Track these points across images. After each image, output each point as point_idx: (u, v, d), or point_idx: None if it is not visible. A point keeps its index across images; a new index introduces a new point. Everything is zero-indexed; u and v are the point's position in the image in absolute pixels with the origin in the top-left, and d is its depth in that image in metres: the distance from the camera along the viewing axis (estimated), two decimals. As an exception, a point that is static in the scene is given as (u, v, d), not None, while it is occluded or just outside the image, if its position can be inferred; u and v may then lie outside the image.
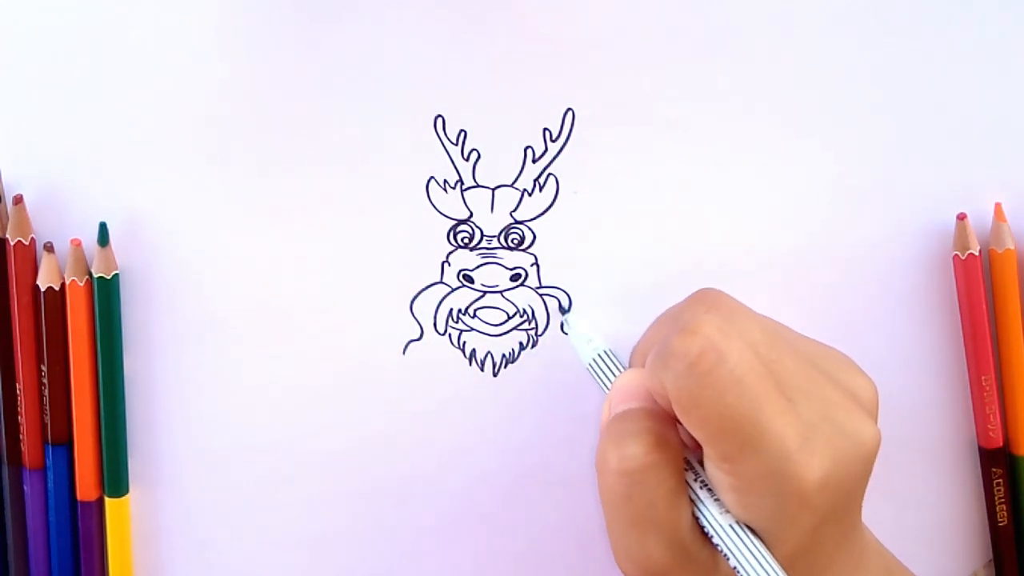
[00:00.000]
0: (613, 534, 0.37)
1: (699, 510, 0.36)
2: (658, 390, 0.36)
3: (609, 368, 0.42)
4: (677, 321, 0.39)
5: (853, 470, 0.35)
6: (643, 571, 0.36)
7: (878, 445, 0.36)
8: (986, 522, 0.47)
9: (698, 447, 0.36)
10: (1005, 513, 0.46)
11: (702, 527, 0.36)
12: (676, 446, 0.37)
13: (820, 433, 0.35)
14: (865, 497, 0.37)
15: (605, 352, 0.43)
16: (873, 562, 0.39)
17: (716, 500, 0.36)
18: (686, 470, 0.37)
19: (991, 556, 0.47)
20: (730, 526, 0.35)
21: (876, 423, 0.37)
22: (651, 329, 0.42)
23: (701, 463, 0.37)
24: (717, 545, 0.36)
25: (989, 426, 0.46)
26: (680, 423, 0.36)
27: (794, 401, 0.35)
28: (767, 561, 0.35)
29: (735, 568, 0.35)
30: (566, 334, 0.45)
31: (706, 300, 0.39)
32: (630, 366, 0.42)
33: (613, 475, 0.36)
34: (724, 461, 0.35)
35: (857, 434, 0.36)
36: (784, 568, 0.35)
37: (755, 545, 0.35)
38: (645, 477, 0.36)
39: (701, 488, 0.36)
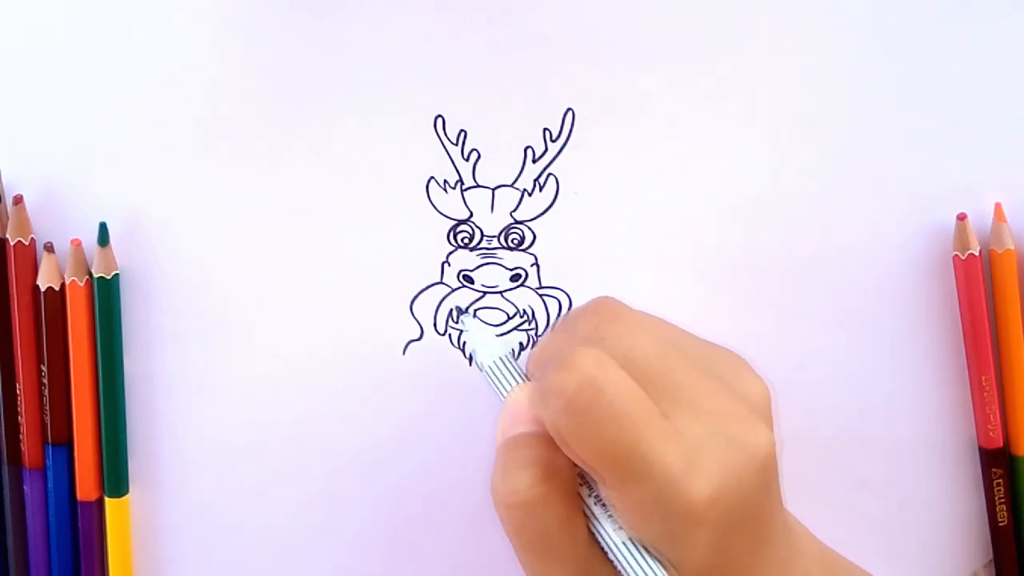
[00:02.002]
0: (518, 558, 0.37)
1: (595, 528, 0.36)
2: (542, 420, 0.36)
3: (506, 376, 0.40)
4: (575, 331, 0.38)
5: (748, 480, 0.35)
6: None
7: (772, 451, 0.36)
8: (986, 522, 0.47)
9: None
10: (1005, 513, 0.46)
11: (600, 544, 0.36)
12: (566, 470, 0.36)
13: (708, 451, 0.35)
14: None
15: (503, 358, 0.40)
16: (804, 565, 0.39)
17: (610, 517, 0.36)
18: (581, 486, 0.37)
19: (991, 556, 0.47)
20: (623, 543, 0.35)
21: (770, 426, 0.37)
22: (547, 336, 0.41)
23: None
24: (612, 562, 0.36)
25: (989, 426, 0.46)
26: None
27: (680, 415, 0.35)
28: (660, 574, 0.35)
29: None
30: (461, 334, 0.45)
31: (600, 311, 0.38)
32: (527, 375, 0.40)
33: (504, 508, 0.36)
34: (611, 489, 0.35)
35: (750, 445, 0.35)
36: None
37: (648, 561, 0.35)
38: (535, 509, 0.35)
39: (596, 504, 0.36)
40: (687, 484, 0.34)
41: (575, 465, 0.36)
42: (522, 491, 0.35)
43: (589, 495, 0.36)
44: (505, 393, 0.39)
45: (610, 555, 0.36)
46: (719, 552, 0.35)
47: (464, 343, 0.46)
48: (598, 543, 0.36)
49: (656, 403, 0.35)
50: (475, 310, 0.46)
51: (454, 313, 0.45)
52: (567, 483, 0.36)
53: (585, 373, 0.34)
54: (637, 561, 0.35)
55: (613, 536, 0.35)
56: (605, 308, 0.38)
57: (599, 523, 0.36)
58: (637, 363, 0.36)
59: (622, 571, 0.35)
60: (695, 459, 0.34)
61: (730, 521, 0.35)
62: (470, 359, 0.46)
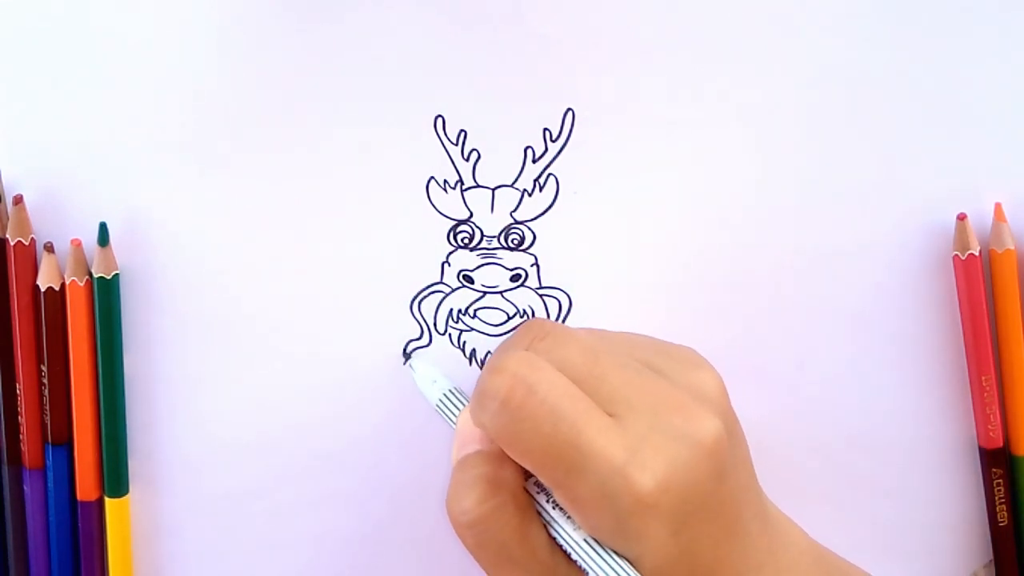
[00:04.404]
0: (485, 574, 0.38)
1: (553, 530, 0.37)
2: (484, 430, 0.37)
3: (455, 406, 0.42)
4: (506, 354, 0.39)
5: (698, 469, 0.35)
6: None
7: (720, 437, 0.36)
8: (986, 522, 0.47)
9: None
10: (1005, 513, 0.46)
11: (561, 547, 0.37)
12: (513, 481, 0.37)
13: (649, 442, 0.35)
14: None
15: (450, 391, 0.43)
16: (791, 558, 0.39)
17: (569, 518, 0.36)
18: (538, 493, 0.37)
19: (991, 556, 0.47)
20: (584, 541, 0.36)
21: (720, 415, 0.37)
22: (489, 361, 0.42)
23: None
24: (575, 561, 0.36)
25: (989, 426, 0.46)
26: None
27: (619, 415, 0.36)
28: (623, 568, 0.35)
29: None
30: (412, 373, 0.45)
31: (532, 330, 0.39)
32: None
33: (458, 528, 0.37)
34: (556, 487, 0.36)
35: (694, 433, 0.36)
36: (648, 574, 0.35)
37: (610, 555, 0.35)
38: (487, 526, 0.36)
39: (554, 508, 0.37)
40: (630, 474, 0.34)
41: (526, 474, 0.37)
42: (471, 509, 0.36)
43: (547, 501, 0.37)
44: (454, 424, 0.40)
45: (573, 555, 0.36)
46: (680, 545, 0.35)
47: (463, 344, 0.46)
48: (559, 547, 0.37)
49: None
50: (475, 310, 0.46)
51: (402, 358, 0.46)
52: (516, 495, 0.37)
53: (515, 373, 0.36)
54: (600, 556, 0.35)
55: (573, 535, 0.36)
56: (536, 327, 0.39)
57: (558, 525, 0.37)
58: (569, 372, 0.37)
59: (587, 569, 0.36)
60: (637, 450, 0.35)
61: (686, 511, 0.35)
62: (470, 358, 0.46)
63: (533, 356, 0.37)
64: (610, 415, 0.36)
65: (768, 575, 0.38)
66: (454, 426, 0.41)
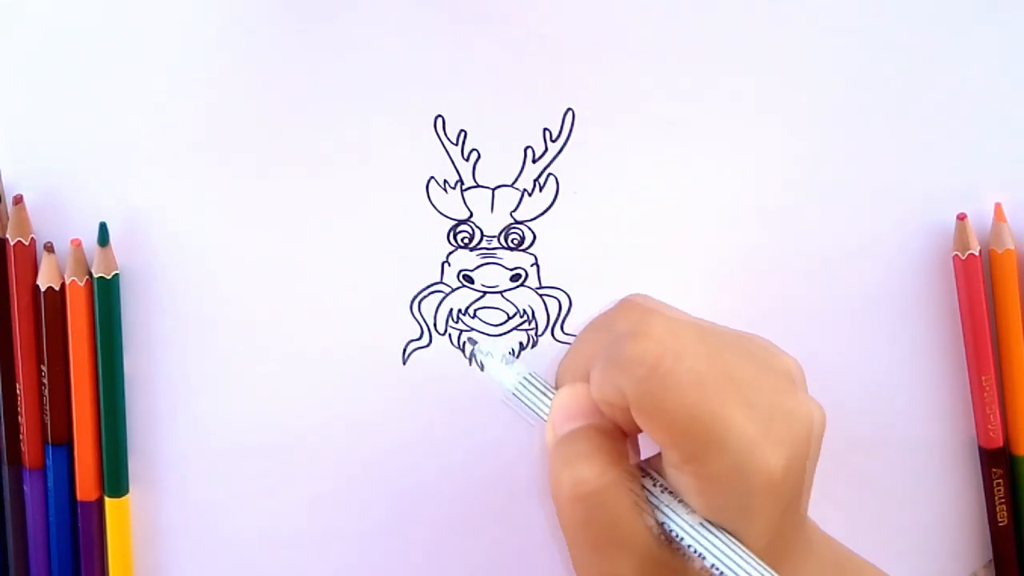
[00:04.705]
0: (576, 559, 0.36)
1: (664, 515, 0.36)
2: (611, 401, 0.36)
3: (538, 390, 0.39)
4: (613, 328, 0.38)
5: (803, 451, 0.35)
6: None
7: (822, 422, 0.36)
8: (986, 522, 0.47)
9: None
10: (1005, 513, 0.46)
11: (667, 532, 0.36)
12: (628, 459, 0.36)
13: (773, 421, 0.35)
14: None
15: (530, 375, 0.40)
16: (821, 551, 0.39)
17: (680, 502, 0.35)
18: (643, 477, 0.36)
19: (991, 556, 0.47)
20: (700, 524, 0.35)
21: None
22: (579, 342, 0.40)
23: (657, 468, 0.36)
24: (689, 547, 0.35)
25: (989, 426, 0.46)
26: (630, 434, 0.36)
27: (745, 393, 0.35)
28: (742, 553, 0.34)
29: (711, 567, 0.35)
30: (478, 365, 0.44)
31: (634, 306, 0.38)
32: (558, 384, 0.40)
33: (569, 501, 0.35)
34: (688, 462, 0.34)
35: (801, 415, 0.36)
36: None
37: (729, 539, 0.35)
38: (603, 499, 0.35)
39: (662, 492, 0.36)
40: (764, 453, 0.34)
41: (636, 456, 0.36)
42: (590, 480, 0.35)
43: (654, 485, 0.36)
44: (537, 409, 0.39)
45: (686, 540, 0.35)
46: (781, 525, 0.35)
47: (463, 343, 0.46)
48: (664, 536, 0.36)
49: None
50: (475, 310, 0.46)
51: (467, 346, 0.45)
52: (630, 472, 0.36)
53: (663, 340, 0.34)
54: (718, 539, 0.35)
55: (687, 519, 0.35)
56: (639, 303, 0.38)
57: (670, 510, 0.35)
58: None
59: (701, 554, 0.35)
60: (768, 429, 0.34)
61: (795, 492, 0.35)
62: (470, 359, 0.46)
63: (677, 324, 0.35)
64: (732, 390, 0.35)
65: (812, 564, 0.38)
66: (537, 413, 0.39)
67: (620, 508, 0.35)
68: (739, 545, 0.35)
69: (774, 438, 0.34)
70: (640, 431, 0.36)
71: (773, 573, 0.34)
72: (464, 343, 0.46)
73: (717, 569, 0.35)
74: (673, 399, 0.34)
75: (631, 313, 0.38)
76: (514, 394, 0.40)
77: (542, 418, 0.39)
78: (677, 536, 0.35)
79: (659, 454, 0.36)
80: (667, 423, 0.34)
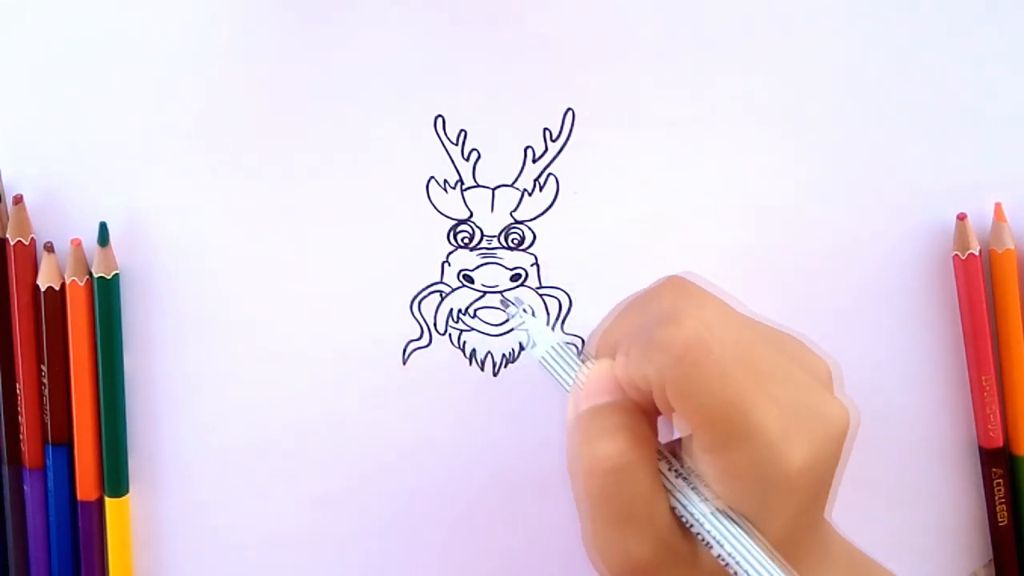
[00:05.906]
0: (589, 534, 0.36)
1: (679, 500, 0.36)
2: (637, 384, 0.36)
3: (567, 360, 0.39)
4: (647, 310, 0.38)
5: (828, 452, 0.35)
6: (623, 570, 0.36)
7: (847, 422, 0.36)
8: (986, 522, 0.47)
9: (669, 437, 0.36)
10: (1005, 513, 0.46)
11: (681, 518, 0.36)
12: (651, 440, 0.36)
13: (798, 419, 0.35)
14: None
15: (561, 344, 0.40)
16: (837, 553, 0.39)
17: (695, 489, 0.36)
18: (660, 460, 0.36)
19: (991, 556, 0.47)
20: (713, 513, 0.35)
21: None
22: (616, 318, 0.40)
23: (674, 453, 0.36)
24: (699, 534, 0.35)
25: (989, 426, 0.46)
26: (653, 415, 0.36)
27: (771, 389, 0.35)
28: (752, 544, 0.34)
29: (719, 556, 0.35)
30: (512, 323, 0.42)
31: (673, 288, 0.38)
32: (591, 355, 0.40)
33: (589, 476, 0.35)
34: (709, 451, 0.35)
35: (829, 416, 0.36)
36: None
37: (739, 530, 0.35)
38: (623, 476, 0.35)
39: (678, 478, 0.36)
40: (784, 450, 0.34)
41: (657, 439, 0.36)
42: (613, 456, 0.35)
43: (669, 469, 0.36)
44: (567, 376, 0.39)
45: (697, 528, 0.35)
46: (798, 525, 0.35)
47: (463, 343, 0.46)
48: (678, 521, 0.36)
49: None
50: (475, 310, 0.46)
51: (503, 303, 0.45)
52: (652, 453, 0.36)
53: (694, 329, 0.34)
54: (729, 529, 0.35)
55: (701, 506, 0.35)
56: (677, 286, 0.38)
57: (685, 496, 0.36)
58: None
59: (711, 542, 0.35)
60: (789, 428, 0.34)
61: (813, 493, 0.35)
62: (470, 358, 0.46)
63: (708, 312, 0.36)
64: (759, 383, 0.35)
65: (827, 564, 0.38)
66: (563, 381, 0.39)
67: (638, 488, 0.35)
68: (753, 537, 0.35)
69: (798, 436, 0.34)
70: (660, 415, 0.37)
71: (783, 566, 0.34)
72: (464, 343, 0.46)
73: (730, 557, 0.35)
74: (698, 390, 0.34)
75: (668, 297, 0.38)
76: (543, 358, 0.40)
77: (565, 388, 0.39)
78: (689, 523, 0.36)
79: (679, 439, 0.36)
80: (689, 410, 0.34)
